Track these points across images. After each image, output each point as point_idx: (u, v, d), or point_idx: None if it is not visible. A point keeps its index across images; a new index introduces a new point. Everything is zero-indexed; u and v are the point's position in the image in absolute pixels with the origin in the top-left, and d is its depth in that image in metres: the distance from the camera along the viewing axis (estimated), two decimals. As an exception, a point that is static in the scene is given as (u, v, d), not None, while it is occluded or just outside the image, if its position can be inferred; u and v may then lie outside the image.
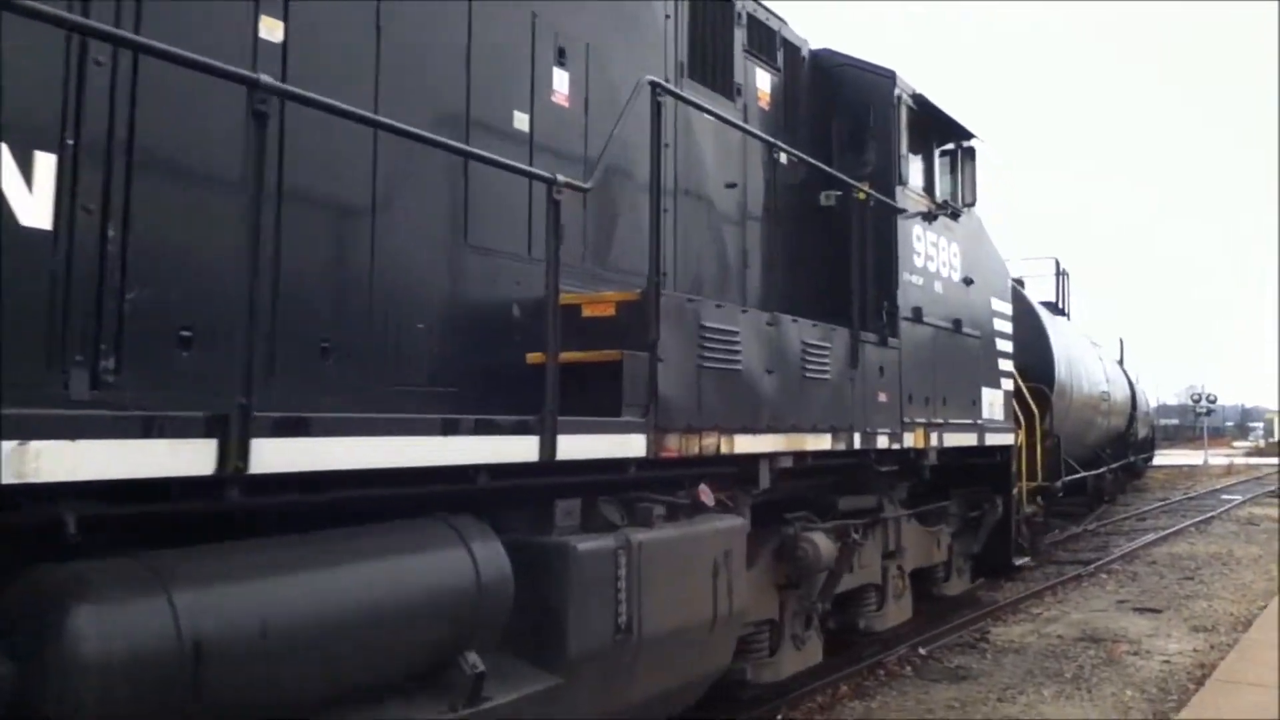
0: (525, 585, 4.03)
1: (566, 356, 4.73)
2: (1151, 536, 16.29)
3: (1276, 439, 64.43)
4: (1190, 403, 54.49)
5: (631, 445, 4.58)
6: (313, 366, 3.84)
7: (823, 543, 6.14)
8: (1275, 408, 78.62)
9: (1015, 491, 10.11)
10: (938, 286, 8.20)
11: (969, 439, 8.56)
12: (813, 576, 6.22)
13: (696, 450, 5.04)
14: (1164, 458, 37.45)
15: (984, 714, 6.75)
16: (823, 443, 6.21)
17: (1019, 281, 16.09)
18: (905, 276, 7.61)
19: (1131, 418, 22.92)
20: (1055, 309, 18.37)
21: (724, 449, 5.23)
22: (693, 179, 6.31)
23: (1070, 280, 19.45)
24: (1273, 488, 27.94)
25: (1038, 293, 18.01)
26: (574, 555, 4.18)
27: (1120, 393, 21.47)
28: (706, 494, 5.10)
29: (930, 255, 8.11)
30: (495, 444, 3.82)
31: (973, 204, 8.81)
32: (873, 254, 7.19)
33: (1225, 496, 25.52)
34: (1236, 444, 71.07)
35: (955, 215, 8.63)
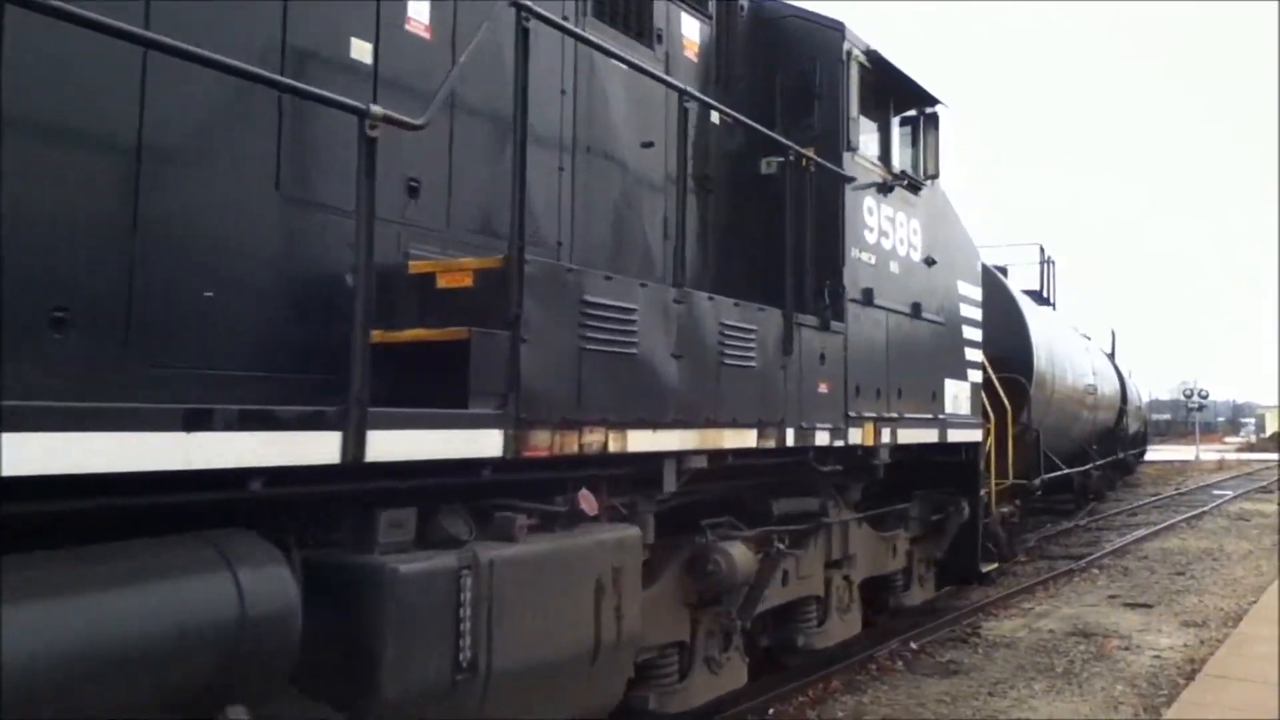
0: (330, 616, 3.27)
1: (409, 335, 3.95)
2: (1143, 532, 16.27)
3: (1269, 434, 63.79)
4: (1183, 398, 53.76)
5: (483, 443, 3.77)
6: (40, 341, 3.01)
7: (739, 554, 5.32)
8: (1266, 404, 78.09)
9: (984, 492, 9.29)
10: (893, 266, 7.37)
11: (929, 435, 7.76)
12: (730, 592, 5.41)
13: (576, 448, 4.22)
14: (1156, 453, 37.14)
15: (975, 708, 6.68)
16: (746, 439, 5.40)
17: (1002, 270, 15.29)
18: (853, 253, 6.78)
19: (1121, 412, 22.11)
20: (1039, 298, 17.56)
21: (613, 446, 4.42)
22: (597, 134, 5.46)
23: (1056, 269, 18.64)
24: (1264, 483, 27.41)
25: (1023, 282, 17.27)
26: (390, 578, 3.36)
27: (1109, 386, 20.61)
28: (588, 500, 4.29)
29: (885, 231, 7.28)
30: (272, 442, 3.00)
31: (935, 176, 7.96)
32: (815, 227, 6.35)
33: (1216, 492, 25.48)
34: (1228, 439, 70.60)
35: (915, 188, 7.80)
